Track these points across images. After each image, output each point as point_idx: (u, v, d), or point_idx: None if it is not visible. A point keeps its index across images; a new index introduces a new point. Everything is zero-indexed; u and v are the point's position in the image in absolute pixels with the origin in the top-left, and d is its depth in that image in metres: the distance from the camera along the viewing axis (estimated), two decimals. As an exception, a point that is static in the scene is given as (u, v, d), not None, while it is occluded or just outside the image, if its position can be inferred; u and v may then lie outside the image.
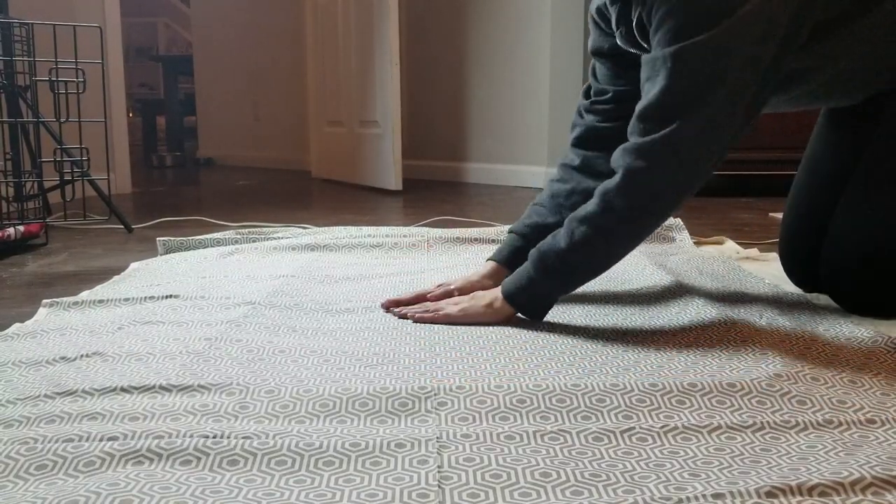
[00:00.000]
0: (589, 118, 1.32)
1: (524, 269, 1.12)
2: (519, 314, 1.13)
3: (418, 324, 1.14)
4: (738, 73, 0.99)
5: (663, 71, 1.02)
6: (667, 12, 1.01)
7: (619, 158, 1.06)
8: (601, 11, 1.26)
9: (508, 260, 1.27)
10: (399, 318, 1.17)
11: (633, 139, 1.04)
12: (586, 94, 1.36)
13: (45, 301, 1.25)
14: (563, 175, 1.32)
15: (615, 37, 1.20)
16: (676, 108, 1.01)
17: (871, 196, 1.15)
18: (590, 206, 1.07)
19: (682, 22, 0.99)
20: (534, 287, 1.10)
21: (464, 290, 1.24)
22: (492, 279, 1.25)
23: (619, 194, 1.04)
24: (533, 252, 1.11)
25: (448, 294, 1.23)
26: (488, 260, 1.30)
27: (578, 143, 1.32)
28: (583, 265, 1.09)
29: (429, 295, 1.24)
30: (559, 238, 1.09)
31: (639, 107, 1.05)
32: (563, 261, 1.08)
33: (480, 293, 1.17)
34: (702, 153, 1.02)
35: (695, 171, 1.03)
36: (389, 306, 1.21)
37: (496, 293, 1.14)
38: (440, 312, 1.14)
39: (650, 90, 1.04)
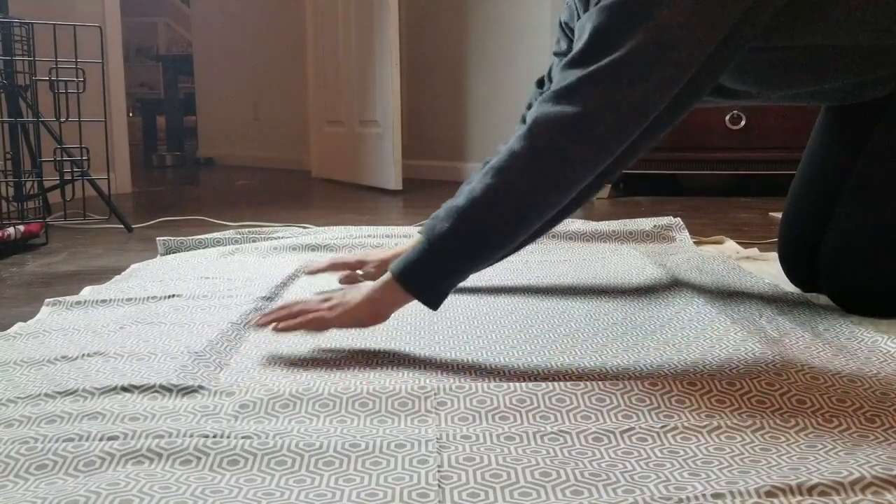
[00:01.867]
0: None
1: (418, 240, 0.94)
2: (414, 300, 0.95)
3: (416, 323, 1.13)
4: (675, 28, 0.91)
5: (588, 24, 0.94)
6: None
7: (531, 111, 0.95)
8: (569, 25, 1.28)
9: None
10: (258, 326, 0.99)
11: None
12: (539, 85, 1.37)
13: (47, 300, 1.25)
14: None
15: None
16: (595, 51, 0.92)
17: (870, 195, 1.15)
18: (494, 158, 0.94)
19: None
20: (426, 260, 0.91)
21: (385, 263, 1.24)
22: None
23: (525, 136, 0.91)
24: (428, 220, 0.94)
25: (352, 279, 1.20)
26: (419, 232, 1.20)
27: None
28: (484, 225, 0.90)
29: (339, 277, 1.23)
30: (457, 197, 0.93)
31: (560, 66, 0.97)
32: (461, 221, 0.90)
33: (361, 285, 1.00)
34: (621, 97, 0.91)
35: (615, 118, 0.91)
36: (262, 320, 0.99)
37: (382, 280, 0.96)
38: (309, 317, 0.95)
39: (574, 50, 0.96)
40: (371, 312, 0.95)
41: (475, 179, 0.94)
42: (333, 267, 1.30)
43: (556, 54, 1.34)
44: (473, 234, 0.91)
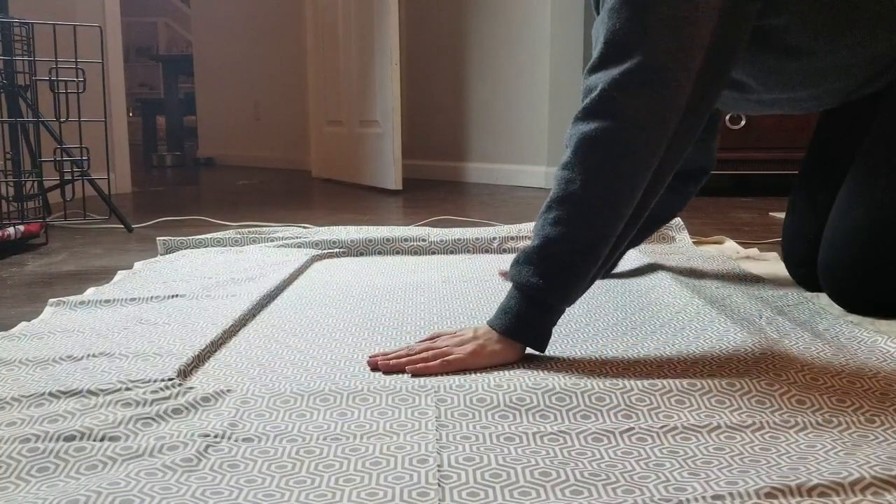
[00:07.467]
0: None
1: (508, 294, 0.96)
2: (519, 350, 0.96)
3: (417, 323, 1.14)
4: (690, 11, 0.91)
5: (602, 26, 0.93)
6: None
7: (568, 134, 0.94)
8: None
9: None
10: (385, 374, 0.91)
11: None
12: None
13: (51, 300, 1.25)
14: None
15: None
16: (617, 53, 0.91)
17: (866, 192, 1.15)
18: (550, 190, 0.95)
19: None
20: (519, 306, 0.94)
21: None
22: None
23: (572, 163, 0.91)
24: (510, 269, 0.96)
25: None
26: None
27: None
28: (564, 259, 0.92)
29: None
30: (532, 239, 0.95)
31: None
32: (542, 258, 0.92)
33: (463, 332, 0.97)
34: (652, 97, 0.90)
35: (648, 124, 0.90)
36: (377, 363, 0.94)
37: (489, 335, 0.95)
38: (449, 357, 0.91)
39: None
40: (510, 355, 0.94)
41: (540, 217, 0.94)
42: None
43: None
44: (558, 271, 0.92)
